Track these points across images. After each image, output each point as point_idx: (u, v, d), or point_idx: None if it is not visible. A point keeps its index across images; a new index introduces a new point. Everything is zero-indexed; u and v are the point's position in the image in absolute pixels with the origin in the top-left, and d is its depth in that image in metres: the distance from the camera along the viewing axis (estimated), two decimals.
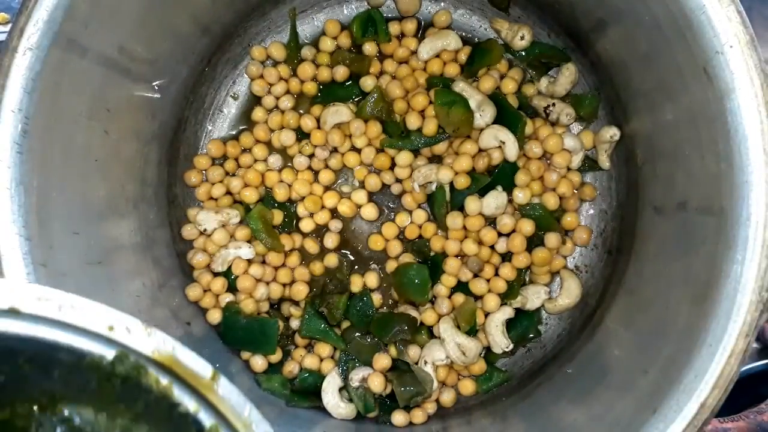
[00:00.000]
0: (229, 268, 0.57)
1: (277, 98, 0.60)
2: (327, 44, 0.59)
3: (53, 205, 0.43)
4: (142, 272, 0.52)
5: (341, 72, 0.59)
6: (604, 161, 0.58)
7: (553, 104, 0.57)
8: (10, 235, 0.40)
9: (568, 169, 0.58)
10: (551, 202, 0.57)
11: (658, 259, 0.49)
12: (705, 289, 0.41)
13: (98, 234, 0.47)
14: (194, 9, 0.52)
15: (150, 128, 0.54)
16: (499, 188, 0.56)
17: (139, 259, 0.52)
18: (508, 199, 0.56)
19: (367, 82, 0.58)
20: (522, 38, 0.57)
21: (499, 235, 0.57)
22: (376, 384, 0.55)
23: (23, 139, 0.40)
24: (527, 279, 0.59)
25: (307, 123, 0.58)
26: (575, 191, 0.58)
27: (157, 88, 0.53)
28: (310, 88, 0.59)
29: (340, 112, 0.57)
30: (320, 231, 0.60)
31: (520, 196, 0.56)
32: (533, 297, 0.58)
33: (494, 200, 0.56)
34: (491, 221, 0.57)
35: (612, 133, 0.55)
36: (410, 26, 0.59)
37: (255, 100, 0.61)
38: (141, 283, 0.51)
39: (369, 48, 0.59)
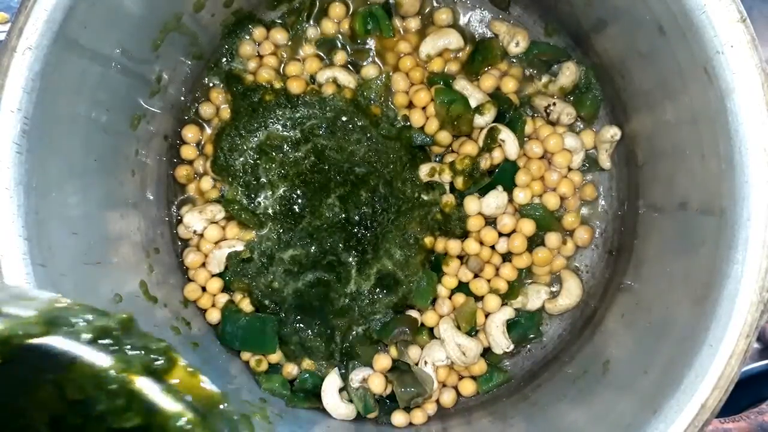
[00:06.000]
0: (226, 267, 0.57)
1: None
2: (329, 27, 0.59)
3: (52, 205, 0.42)
4: (141, 272, 0.52)
5: (340, 57, 0.58)
6: (605, 161, 0.57)
7: (554, 104, 0.57)
8: (9, 236, 0.40)
9: (569, 168, 0.58)
10: (552, 202, 0.57)
11: (658, 260, 0.49)
12: (705, 290, 0.40)
13: (97, 234, 0.47)
14: (193, 9, 0.52)
15: (150, 128, 0.53)
16: (500, 188, 0.56)
17: (138, 259, 0.52)
18: (509, 199, 0.56)
19: (370, 72, 0.58)
20: (517, 45, 0.57)
21: (500, 235, 0.57)
22: (377, 384, 0.55)
23: (22, 139, 0.40)
24: (528, 279, 0.59)
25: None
26: (576, 191, 0.58)
27: (156, 87, 0.53)
28: (315, 67, 0.58)
29: None
30: None
31: (521, 196, 0.56)
32: (534, 297, 0.58)
33: (494, 200, 0.56)
34: (491, 221, 0.57)
35: (613, 132, 0.55)
36: (412, 24, 0.59)
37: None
38: (140, 283, 0.51)
39: (372, 43, 0.59)
